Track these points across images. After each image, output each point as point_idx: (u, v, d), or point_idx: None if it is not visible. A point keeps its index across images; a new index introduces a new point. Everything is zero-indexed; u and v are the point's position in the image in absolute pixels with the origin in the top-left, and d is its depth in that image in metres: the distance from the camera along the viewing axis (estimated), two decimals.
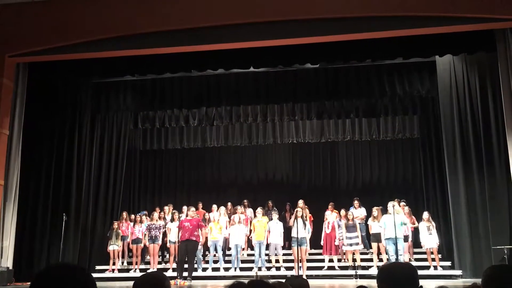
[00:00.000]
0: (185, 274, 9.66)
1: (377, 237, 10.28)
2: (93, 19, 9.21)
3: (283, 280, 2.98)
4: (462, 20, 8.34)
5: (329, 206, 11.70)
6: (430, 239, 10.27)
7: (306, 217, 10.63)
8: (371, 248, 10.97)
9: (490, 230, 9.33)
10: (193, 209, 10.37)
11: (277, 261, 10.83)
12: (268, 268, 10.77)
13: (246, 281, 2.17)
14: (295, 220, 9.69)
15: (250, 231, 11.28)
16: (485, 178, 9.59)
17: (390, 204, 9.87)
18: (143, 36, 9.14)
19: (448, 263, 10.44)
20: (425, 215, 10.53)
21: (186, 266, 9.78)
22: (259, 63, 10.44)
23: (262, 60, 10.23)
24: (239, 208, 11.65)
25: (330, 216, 11.33)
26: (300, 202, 11.31)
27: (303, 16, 8.69)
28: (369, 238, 10.91)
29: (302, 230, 9.73)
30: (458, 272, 9.81)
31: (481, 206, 9.61)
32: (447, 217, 10.68)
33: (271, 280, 2.49)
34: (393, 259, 9.20)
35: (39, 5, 9.43)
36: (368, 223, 10.82)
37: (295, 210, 10.14)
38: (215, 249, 11.03)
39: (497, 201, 9.32)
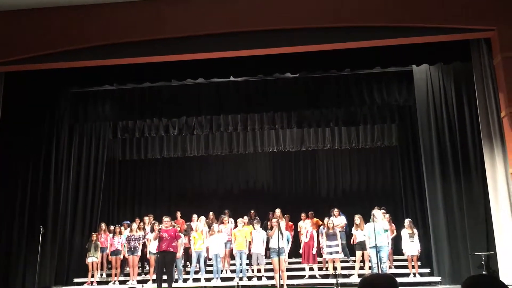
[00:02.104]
0: (165, 285, 9.54)
1: (362, 245, 10.33)
2: (71, 29, 9.11)
3: None
4: (438, 31, 8.50)
5: (302, 216, 11.73)
6: (411, 246, 10.37)
7: (285, 225, 10.65)
8: (352, 256, 11.03)
9: (468, 237, 9.46)
10: (166, 219, 9.92)
11: (259, 270, 10.79)
12: (250, 278, 10.73)
13: None
14: (278, 231, 9.67)
15: (229, 241, 11.23)
16: (462, 186, 9.75)
17: (372, 212, 9.94)
18: (122, 45, 9.07)
19: (427, 270, 10.56)
20: (407, 222, 10.63)
21: (165, 277, 9.65)
22: (239, 72, 10.46)
23: (242, 69, 10.24)
24: (226, 218, 11.61)
25: (305, 224, 11.34)
26: (277, 211, 11.35)
27: (283, 26, 8.75)
28: (350, 247, 10.96)
29: (280, 240, 9.73)
30: (437, 279, 9.92)
31: (459, 213, 9.76)
32: (426, 224, 10.81)
33: None
34: (375, 267, 9.25)
35: (16, 14, 9.29)
36: (352, 232, 10.87)
37: (275, 221, 10.13)
38: (198, 260, 10.93)
39: (474, 207, 9.47)
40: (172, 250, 9.63)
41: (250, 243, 10.77)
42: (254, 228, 10.81)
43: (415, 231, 10.55)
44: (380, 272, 9.11)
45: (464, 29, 8.45)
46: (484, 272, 8.71)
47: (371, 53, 9.24)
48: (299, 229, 11.68)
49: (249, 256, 10.78)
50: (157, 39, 8.96)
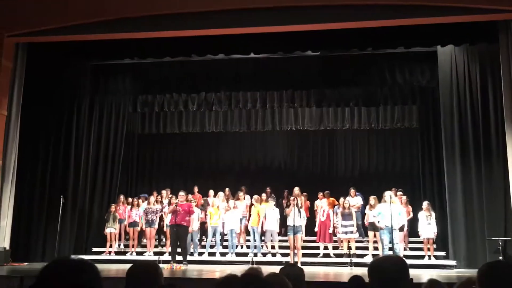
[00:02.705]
0: (180, 258, 9.70)
1: (374, 226, 10.33)
2: (93, 1, 9.12)
3: (279, 268, 3.00)
4: (465, 11, 8.30)
5: (319, 195, 11.71)
6: (428, 229, 10.31)
7: (301, 204, 10.70)
8: (366, 236, 11.03)
9: (485, 222, 9.39)
10: (181, 193, 10.14)
11: (273, 247, 10.89)
12: (264, 254, 10.84)
13: (241, 270, 2.16)
14: (296, 209, 9.71)
15: (244, 217, 11.33)
16: (482, 170, 9.62)
17: (386, 193, 9.87)
18: (144, 19, 9.07)
19: (443, 253, 10.52)
20: (425, 204, 10.54)
21: (179, 250, 9.81)
22: (260, 49, 10.38)
23: (263, 46, 10.17)
24: (242, 194, 11.69)
25: (321, 203, 11.32)
26: (296, 190, 11.36)
27: (305, 3, 8.63)
28: (365, 227, 10.98)
29: (298, 218, 9.77)
30: (453, 262, 9.87)
31: (477, 198, 9.66)
32: (443, 207, 10.73)
33: (266, 268, 2.50)
34: (387, 248, 9.26)
35: None
36: (365, 212, 10.86)
37: (292, 199, 10.15)
38: (214, 235, 11.08)
39: (493, 193, 9.36)
40: (185, 224, 9.78)
41: (264, 219, 10.81)
42: (267, 205, 10.87)
43: (433, 214, 10.48)
44: (392, 254, 9.12)
45: (492, 9, 8.22)
46: (500, 258, 8.65)
47: (395, 33, 9.07)
48: (315, 208, 11.69)
49: (263, 233, 10.87)
50: (179, 13, 8.93)
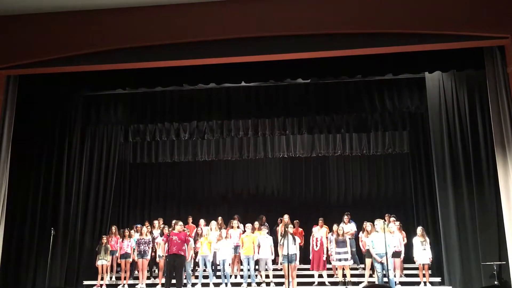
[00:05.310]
0: None
1: (371, 253, 10.25)
2: (84, 33, 9.19)
3: None
4: (451, 38, 8.44)
5: (320, 222, 11.63)
6: (423, 254, 10.26)
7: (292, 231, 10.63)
8: (361, 263, 10.94)
9: (479, 246, 9.36)
10: (180, 223, 10.17)
11: (267, 276, 10.75)
12: (258, 284, 10.69)
13: None
14: (286, 237, 9.64)
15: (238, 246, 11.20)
16: (474, 194, 9.65)
17: (376, 222, 9.89)
18: (134, 49, 9.12)
19: (438, 279, 10.45)
20: (419, 230, 10.53)
21: (173, 281, 9.67)
22: (251, 78, 10.47)
23: (254, 75, 10.25)
24: (236, 222, 11.60)
25: (318, 232, 11.21)
26: (286, 217, 11.31)
27: (295, 32, 8.75)
28: (360, 254, 10.89)
29: (292, 246, 9.69)
30: None
31: (471, 222, 9.66)
32: (437, 232, 10.71)
33: None
34: (381, 276, 9.19)
35: (30, 17, 9.40)
36: (362, 239, 10.78)
37: (285, 226, 10.09)
38: (205, 264, 10.93)
39: (486, 216, 9.37)
40: (182, 253, 9.69)
41: (258, 248, 10.71)
42: (261, 233, 10.78)
43: (427, 239, 10.45)
44: (386, 280, 9.07)
45: (478, 36, 8.38)
46: (496, 282, 8.60)
47: (383, 60, 9.20)
48: (312, 235, 11.56)
49: (257, 262, 10.74)
50: (168, 44, 9.01)
